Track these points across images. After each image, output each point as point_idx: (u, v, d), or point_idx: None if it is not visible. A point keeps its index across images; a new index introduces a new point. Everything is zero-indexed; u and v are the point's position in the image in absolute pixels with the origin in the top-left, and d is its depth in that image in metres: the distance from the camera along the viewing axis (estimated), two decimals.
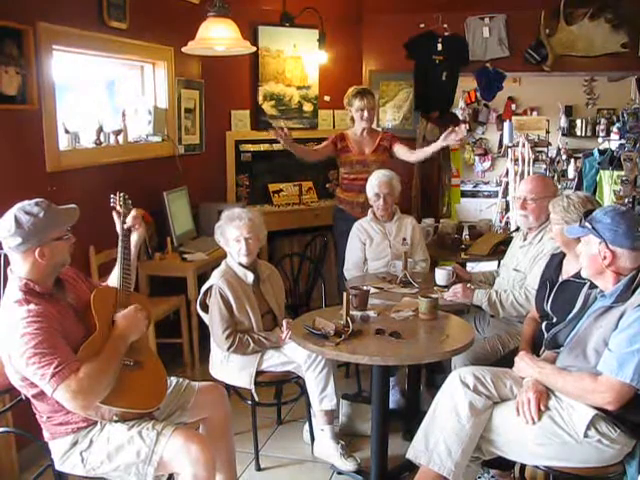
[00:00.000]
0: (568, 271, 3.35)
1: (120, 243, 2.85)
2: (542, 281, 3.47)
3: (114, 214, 2.91)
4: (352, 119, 5.21)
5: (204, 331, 4.08)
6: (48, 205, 2.55)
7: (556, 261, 3.47)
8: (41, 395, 2.52)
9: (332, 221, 5.44)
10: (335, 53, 6.46)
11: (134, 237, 2.90)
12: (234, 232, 3.70)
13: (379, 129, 5.94)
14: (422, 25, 6.48)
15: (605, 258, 2.63)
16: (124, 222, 2.89)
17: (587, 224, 2.68)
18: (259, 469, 3.75)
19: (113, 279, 2.93)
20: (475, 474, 3.16)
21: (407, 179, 5.53)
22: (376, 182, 4.51)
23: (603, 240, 2.63)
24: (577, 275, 3.21)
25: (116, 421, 2.62)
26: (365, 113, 5.07)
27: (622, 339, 2.52)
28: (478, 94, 9.38)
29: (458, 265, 4.46)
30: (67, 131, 4.28)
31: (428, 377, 4.45)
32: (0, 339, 2.47)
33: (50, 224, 2.52)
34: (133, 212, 2.90)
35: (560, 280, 3.35)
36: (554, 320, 3.23)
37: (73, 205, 2.68)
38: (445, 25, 6.41)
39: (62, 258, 2.61)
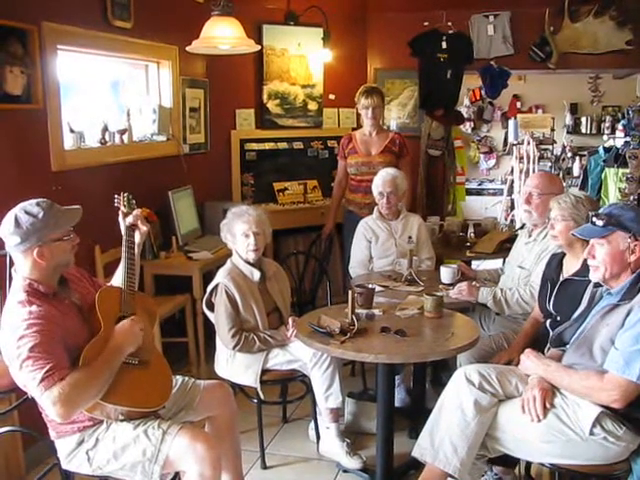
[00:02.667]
0: (568, 270, 3.35)
1: (124, 243, 2.85)
2: (543, 281, 3.48)
3: (120, 214, 2.91)
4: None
5: (209, 330, 4.08)
6: (49, 205, 2.55)
7: (556, 261, 3.47)
8: None
9: (342, 220, 5.49)
10: (340, 51, 6.45)
11: (137, 236, 2.89)
12: (242, 227, 3.69)
13: (391, 130, 5.93)
14: (426, 23, 6.46)
15: (634, 252, 2.63)
16: (127, 221, 2.88)
17: (612, 222, 2.66)
18: (265, 467, 3.76)
19: (117, 279, 2.93)
20: (481, 472, 3.16)
21: (412, 177, 5.52)
22: (380, 181, 4.51)
23: (632, 234, 2.63)
24: (578, 273, 3.21)
25: (122, 420, 2.62)
26: (369, 111, 5.08)
27: (628, 337, 2.51)
28: (483, 92, 9.39)
29: (463, 263, 4.46)
30: (72, 130, 4.29)
31: (433, 375, 4.46)
32: (3, 340, 2.47)
33: (49, 225, 2.51)
34: (136, 212, 2.90)
35: (561, 279, 3.35)
36: (558, 319, 3.23)
37: (77, 206, 2.68)
38: (449, 23, 6.39)
39: (63, 259, 2.60)
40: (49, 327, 2.43)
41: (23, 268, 2.54)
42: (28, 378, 2.37)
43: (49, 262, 2.53)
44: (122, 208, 2.90)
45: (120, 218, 2.90)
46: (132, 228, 2.88)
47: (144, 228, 2.91)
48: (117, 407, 2.57)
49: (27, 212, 2.49)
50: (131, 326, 2.66)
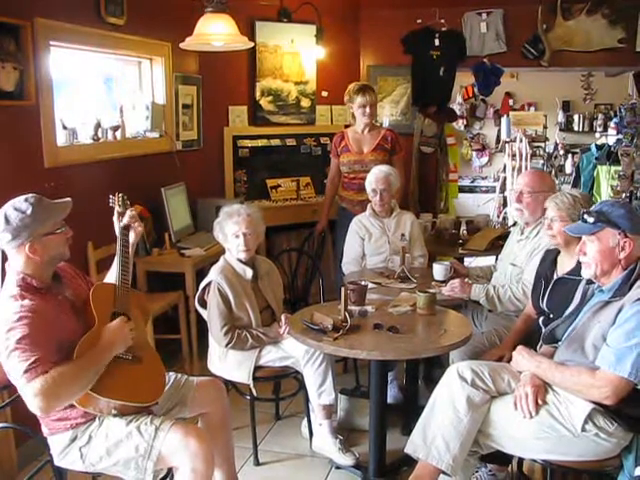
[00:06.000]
0: (563, 268, 3.35)
1: (119, 242, 2.86)
2: (537, 278, 3.48)
3: (115, 214, 2.92)
4: (353, 116, 5.21)
5: (202, 326, 4.08)
6: (38, 200, 2.56)
7: (550, 257, 3.47)
8: None
9: (335, 217, 5.48)
10: (333, 48, 6.45)
11: (131, 236, 2.91)
12: (233, 228, 3.70)
13: (383, 126, 5.94)
14: (419, 20, 6.48)
15: (623, 249, 2.64)
16: (122, 221, 2.90)
17: (601, 219, 2.68)
18: (258, 464, 3.76)
19: (111, 276, 2.94)
20: (473, 468, 3.18)
21: (405, 174, 5.53)
22: (373, 178, 4.52)
23: (622, 230, 2.64)
24: (572, 272, 3.21)
25: (115, 415, 2.62)
26: (367, 110, 5.06)
27: (620, 334, 2.53)
28: (475, 89, 9.37)
29: (456, 260, 4.47)
30: (65, 127, 4.27)
31: (426, 372, 4.46)
32: None
33: (38, 219, 2.52)
34: (130, 212, 2.91)
35: (555, 277, 3.36)
36: (551, 316, 3.24)
37: (67, 198, 2.68)
38: (442, 20, 6.41)
39: (57, 252, 2.61)
40: (39, 321, 2.44)
41: (17, 263, 2.55)
42: (13, 369, 2.38)
43: (42, 257, 2.54)
44: (117, 208, 2.91)
45: (115, 218, 2.91)
46: (127, 228, 2.89)
47: (139, 228, 2.92)
48: (111, 401, 2.57)
49: (16, 209, 2.51)
50: (121, 326, 2.67)
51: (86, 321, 2.65)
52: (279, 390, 4.23)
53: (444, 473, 2.79)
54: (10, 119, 3.70)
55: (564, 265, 3.37)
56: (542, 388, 2.72)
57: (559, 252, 3.44)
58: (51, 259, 2.60)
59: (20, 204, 2.52)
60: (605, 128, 10.38)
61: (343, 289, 3.33)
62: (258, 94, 6.19)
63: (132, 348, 2.70)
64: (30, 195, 2.57)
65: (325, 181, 5.70)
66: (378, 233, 4.54)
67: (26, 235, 2.50)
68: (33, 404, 2.37)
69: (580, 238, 2.83)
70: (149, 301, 3.17)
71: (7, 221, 2.49)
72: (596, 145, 7.54)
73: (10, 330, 2.38)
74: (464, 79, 9.00)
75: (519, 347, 2.93)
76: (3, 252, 2.66)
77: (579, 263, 3.06)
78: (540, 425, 2.65)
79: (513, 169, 8.53)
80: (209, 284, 3.71)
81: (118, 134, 4.77)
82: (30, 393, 2.35)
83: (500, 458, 3.12)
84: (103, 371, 2.53)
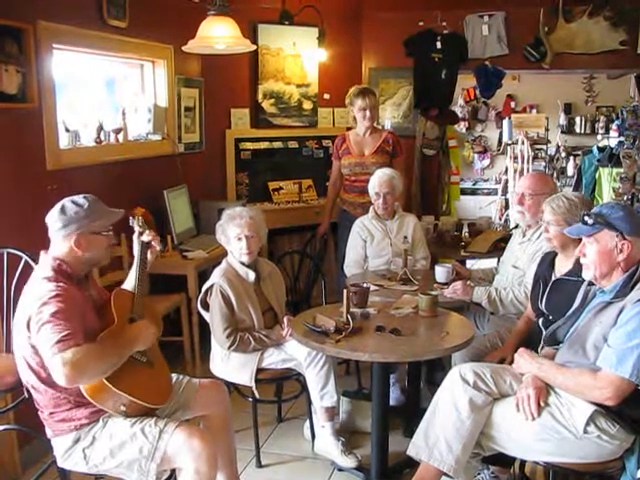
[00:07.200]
0: (560, 270, 3.36)
1: (137, 257, 2.96)
2: (535, 279, 3.49)
3: (135, 234, 3.01)
4: (354, 118, 5.21)
5: (205, 329, 4.08)
6: (95, 200, 2.73)
7: (548, 259, 3.48)
8: (44, 384, 2.57)
9: (337, 220, 5.48)
10: (335, 51, 6.45)
11: (149, 253, 3.01)
12: (235, 230, 3.70)
13: (385, 129, 5.96)
14: (421, 23, 6.47)
15: (622, 251, 2.64)
16: (142, 239, 2.99)
17: (599, 221, 2.68)
18: (260, 466, 3.76)
19: (127, 285, 3.03)
20: (475, 470, 3.18)
21: (406, 177, 5.54)
22: (377, 181, 4.52)
23: (620, 232, 2.64)
24: (570, 273, 3.22)
25: (123, 411, 2.62)
26: (368, 113, 5.07)
27: (621, 334, 2.53)
28: (477, 92, 9.40)
29: (458, 262, 4.47)
30: (67, 129, 4.29)
31: (428, 374, 4.47)
32: (20, 311, 2.56)
33: (90, 217, 2.67)
34: (148, 233, 2.99)
35: (553, 278, 3.37)
36: (550, 318, 3.24)
37: (121, 210, 2.83)
38: (444, 23, 6.40)
39: (98, 252, 2.74)
40: (72, 302, 2.54)
41: (58, 250, 2.66)
42: (44, 340, 2.43)
43: (84, 252, 2.67)
44: (137, 228, 3.02)
45: (135, 236, 3.02)
46: (147, 246, 2.99)
47: (157, 247, 3.03)
48: (123, 395, 2.57)
49: (73, 202, 2.68)
50: (146, 326, 2.78)
51: (105, 321, 2.72)
52: (281, 392, 4.23)
53: (446, 475, 2.79)
54: (13, 122, 3.71)
55: (561, 267, 3.37)
56: (544, 390, 2.72)
57: (557, 254, 3.44)
58: (91, 258, 2.72)
59: (78, 199, 2.69)
60: (607, 130, 10.37)
61: (345, 291, 3.34)
62: (260, 97, 6.20)
63: (146, 352, 2.78)
64: (89, 194, 2.73)
65: (327, 183, 5.71)
66: (380, 235, 4.54)
67: (75, 227, 2.63)
68: (60, 372, 2.39)
69: (578, 240, 2.84)
70: (151, 302, 3.21)
71: (63, 211, 2.65)
72: (598, 147, 7.54)
73: (45, 304, 2.47)
74: (466, 81, 9.02)
75: (520, 349, 2.93)
76: (7, 254, 2.69)
77: (576, 264, 3.07)
78: (542, 427, 2.66)
79: (515, 171, 8.55)
80: (212, 286, 3.71)
81: (120, 137, 4.78)
82: (59, 362, 2.38)
83: (502, 460, 3.12)
84: (118, 368, 2.56)
